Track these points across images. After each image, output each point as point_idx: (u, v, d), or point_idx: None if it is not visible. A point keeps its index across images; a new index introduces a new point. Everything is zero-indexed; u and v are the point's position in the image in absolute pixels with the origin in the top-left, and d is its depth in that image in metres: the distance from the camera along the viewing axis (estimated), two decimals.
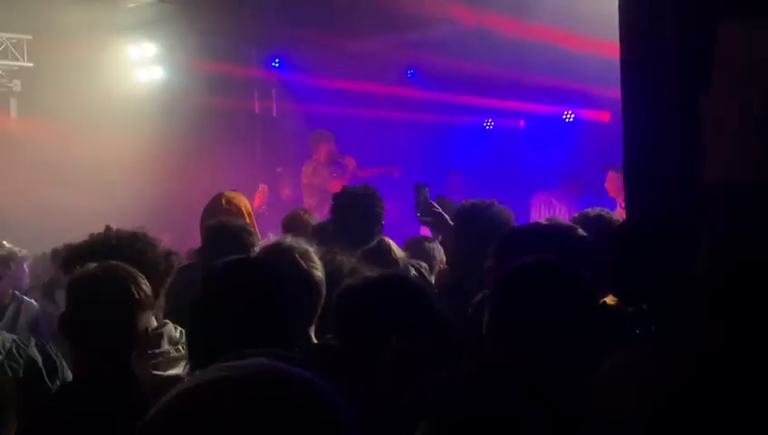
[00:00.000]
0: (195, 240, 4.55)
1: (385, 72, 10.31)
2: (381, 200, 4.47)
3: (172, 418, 1.05)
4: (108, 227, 3.11)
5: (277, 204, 9.35)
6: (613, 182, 8.08)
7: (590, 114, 10.54)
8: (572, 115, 10.69)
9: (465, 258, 3.86)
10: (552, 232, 3.29)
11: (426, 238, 5.16)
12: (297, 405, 1.05)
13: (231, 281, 2.17)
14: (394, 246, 4.30)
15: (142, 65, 10.09)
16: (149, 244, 2.89)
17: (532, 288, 2.28)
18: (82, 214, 3.73)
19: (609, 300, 3.69)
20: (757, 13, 3.41)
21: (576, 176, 9.29)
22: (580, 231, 3.26)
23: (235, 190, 4.94)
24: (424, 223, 4.74)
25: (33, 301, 5.39)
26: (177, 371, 2.67)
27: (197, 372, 1.14)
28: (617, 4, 3.73)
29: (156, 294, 2.60)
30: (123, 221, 3.22)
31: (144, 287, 2.44)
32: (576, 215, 4.56)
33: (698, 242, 2.54)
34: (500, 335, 2.25)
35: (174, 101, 9.82)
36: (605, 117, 10.16)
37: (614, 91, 3.96)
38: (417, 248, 4.81)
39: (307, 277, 2.41)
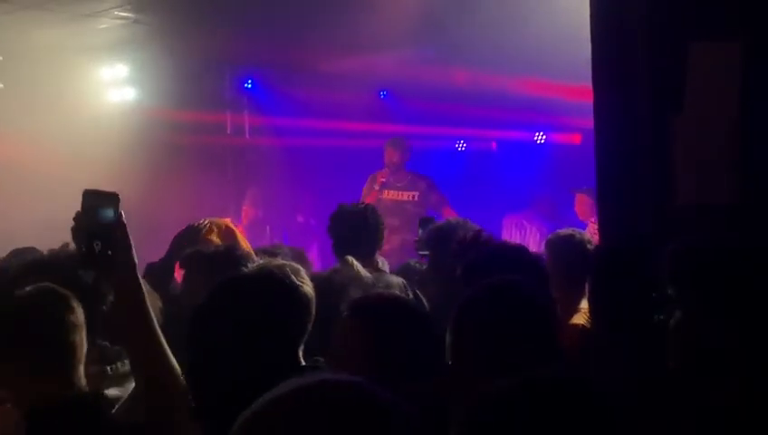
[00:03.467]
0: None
1: (358, 92, 10.36)
2: (374, 220, 4.49)
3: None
4: (64, 245, 3.11)
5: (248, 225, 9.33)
6: (582, 205, 8.19)
7: (561, 137, 10.67)
8: (544, 137, 10.81)
9: (446, 280, 3.90)
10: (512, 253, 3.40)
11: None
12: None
13: (221, 303, 2.15)
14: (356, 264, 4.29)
15: (114, 86, 10.06)
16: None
17: (495, 310, 2.32)
18: (47, 232, 3.71)
19: (580, 318, 3.73)
20: (724, 36, 3.47)
21: (547, 197, 9.38)
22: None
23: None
24: (423, 256, 4.77)
25: None
26: (117, 391, 2.67)
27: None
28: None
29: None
30: None
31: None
32: (550, 236, 4.63)
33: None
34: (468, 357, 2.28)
35: (146, 122, 9.78)
36: (576, 139, 10.28)
37: (586, 120, 4.05)
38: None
39: (298, 294, 2.36)
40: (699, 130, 3.51)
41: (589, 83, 3.82)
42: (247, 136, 11.19)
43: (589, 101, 3.83)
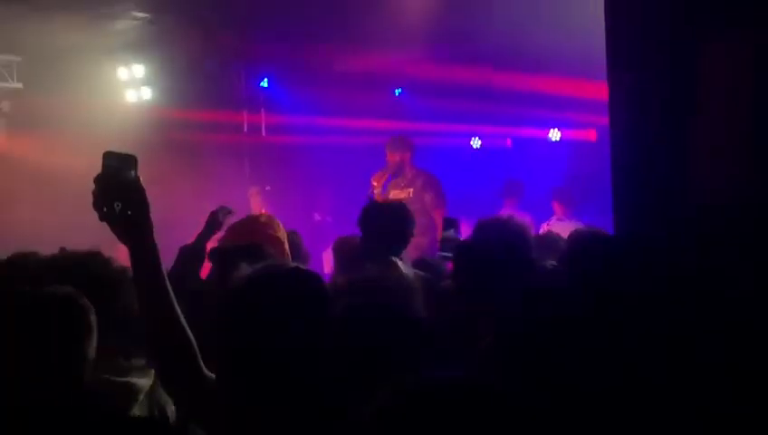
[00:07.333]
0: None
1: (373, 90, 10.38)
2: (409, 220, 4.45)
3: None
4: (62, 249, 3.11)
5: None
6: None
7: (576, 133, 10.66)
8: (559, 134, 10.81)
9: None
10: None
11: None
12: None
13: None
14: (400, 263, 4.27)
15: (131, 86, 10.12)
16: (103, 263, 2.85)
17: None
18: (64, 233, 3.69)
19: None
20: (741, 29, 3.47)
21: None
22: None
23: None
24: (444, 259, 4.68)
25: None
26: (146, 380, 2.65)
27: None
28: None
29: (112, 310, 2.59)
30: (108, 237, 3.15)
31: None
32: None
33: None
34: None
35: (163, 122, 9.84)
36: (591, 135, 10.27)
37: (601, 117, 4.05)
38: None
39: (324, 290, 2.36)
40: (715, 124, 3.51)
41: (602, 80, 3.83)
42: (264, 134, 11.23)
43: (603, 98, 3.84)
